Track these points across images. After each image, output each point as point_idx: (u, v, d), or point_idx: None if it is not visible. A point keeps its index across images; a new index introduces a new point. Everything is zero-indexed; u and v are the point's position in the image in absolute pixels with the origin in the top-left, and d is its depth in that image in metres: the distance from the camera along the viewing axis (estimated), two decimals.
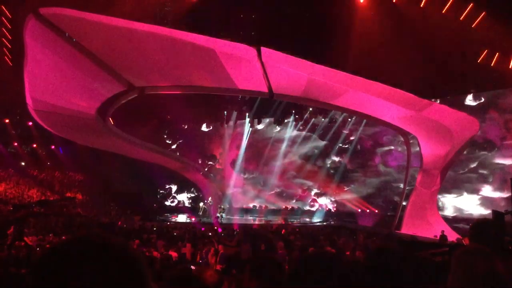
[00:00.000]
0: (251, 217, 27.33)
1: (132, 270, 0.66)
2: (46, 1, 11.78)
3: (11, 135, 31.56)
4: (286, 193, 29.47)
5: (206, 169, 31.24)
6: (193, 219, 25.16)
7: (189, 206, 31.92)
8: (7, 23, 19.67)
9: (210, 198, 27.50)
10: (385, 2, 19.28)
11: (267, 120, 29.73)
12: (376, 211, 25.40)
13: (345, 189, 27.57)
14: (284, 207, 29.06)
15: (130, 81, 16.76)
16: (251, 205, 30.08)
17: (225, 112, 30.03)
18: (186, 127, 33.60)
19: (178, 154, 31.10)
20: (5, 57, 21.62)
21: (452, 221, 20.48)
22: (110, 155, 27.00)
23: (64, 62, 13.91)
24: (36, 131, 28.79)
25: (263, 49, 12.74)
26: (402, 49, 18.85)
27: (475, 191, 23.58)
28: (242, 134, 31.07)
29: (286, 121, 29.31)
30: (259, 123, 29.85)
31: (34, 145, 33.22)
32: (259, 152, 30.17)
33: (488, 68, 18.88)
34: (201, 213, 27.18)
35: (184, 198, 33.22)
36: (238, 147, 31.14)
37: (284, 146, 29.35)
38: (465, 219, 21.18)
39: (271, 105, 27.90)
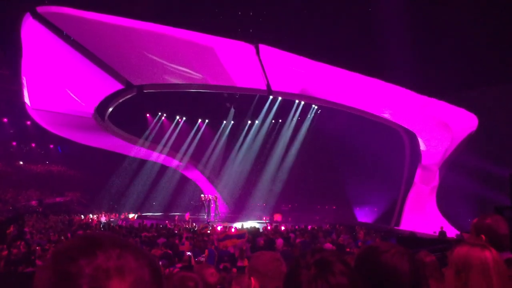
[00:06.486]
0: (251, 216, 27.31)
1: None
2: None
3: (9, 134, 31.53)
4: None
5: (204, 168, 31.21)
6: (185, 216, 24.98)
7: (189, 204, 31.90)
8: (5, 21, 19.57)
9: (209, 196, 27.51)
10: None
11: (266, 118, 29.53)
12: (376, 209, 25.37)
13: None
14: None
15: (128, 80, 16.75)
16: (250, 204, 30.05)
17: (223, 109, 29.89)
18: (184, 127, 33.53)
19: (178, 153, 31.05)
20: (4, 57, 21.53)
21: None
22: (110, 154, 26.98)
23: (62, 61, 13.89)
24: (35, 130, 28.73)
25: (261, 46, 12.73)
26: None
27: None
28: (239, 133, 30.98)
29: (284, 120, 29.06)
30: (255, 121, 29.70)
31: (33, 144, 33.18)
32: (257, 151, 30.05)
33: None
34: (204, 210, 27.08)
35: (183, 196, 33.20)
36: (236, 145, 31.06)
37: (282, 145, 29.21)
38: None
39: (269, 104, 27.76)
